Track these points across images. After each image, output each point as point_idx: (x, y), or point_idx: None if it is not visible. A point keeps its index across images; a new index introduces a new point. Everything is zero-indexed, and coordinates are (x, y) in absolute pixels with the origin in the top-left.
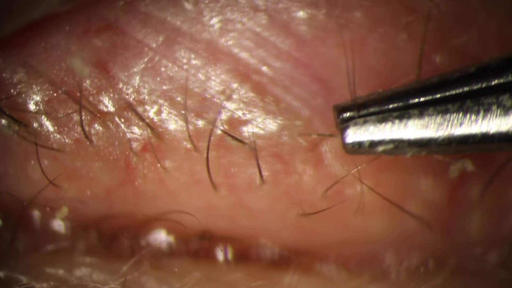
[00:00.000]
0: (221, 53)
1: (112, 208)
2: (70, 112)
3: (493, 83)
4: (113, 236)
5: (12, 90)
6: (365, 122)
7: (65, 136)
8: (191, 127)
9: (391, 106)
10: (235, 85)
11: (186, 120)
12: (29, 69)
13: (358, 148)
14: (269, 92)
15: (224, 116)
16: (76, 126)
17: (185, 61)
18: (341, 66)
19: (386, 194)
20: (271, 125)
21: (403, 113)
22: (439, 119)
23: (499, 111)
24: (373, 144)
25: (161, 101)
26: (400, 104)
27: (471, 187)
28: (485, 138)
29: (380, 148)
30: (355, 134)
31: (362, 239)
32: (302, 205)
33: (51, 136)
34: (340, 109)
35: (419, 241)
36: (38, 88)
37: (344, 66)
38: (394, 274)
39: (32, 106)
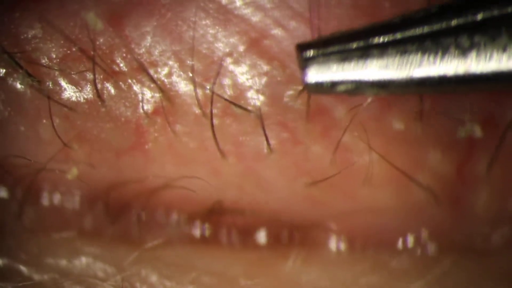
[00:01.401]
0: (231, 14)
1: (121, 173)
2: (83, 70)
3: (452, 24)
4: (120, 211)
5: (27, 45)
6: (326, 61)
7: (77, 95)
8: (200, 92)
9: (353, 45)
10: (242, 48)
11: (194, 84)
12: (45, 24)
13: (319, 86)
14: (276, 57)
15: (230, 81)
16: (88, 85)
17: (195, 19)
18: None
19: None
20: (277, 92)
21: (364, 53)
22: (398, 59)
23: (457, 52)
24: (334, 83)
25: (171, 63)
26: (362, 43)
27: (480, 161)
28: (443, 80)
29: (341, 88)
30: (317, 73)
31: (369, 211)
32: (310, 174)
33: (64, 94)
34: (303, 47)
35: (426, 216)
36: (53, 44)
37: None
38: (398, 255)
39: (46, 62)
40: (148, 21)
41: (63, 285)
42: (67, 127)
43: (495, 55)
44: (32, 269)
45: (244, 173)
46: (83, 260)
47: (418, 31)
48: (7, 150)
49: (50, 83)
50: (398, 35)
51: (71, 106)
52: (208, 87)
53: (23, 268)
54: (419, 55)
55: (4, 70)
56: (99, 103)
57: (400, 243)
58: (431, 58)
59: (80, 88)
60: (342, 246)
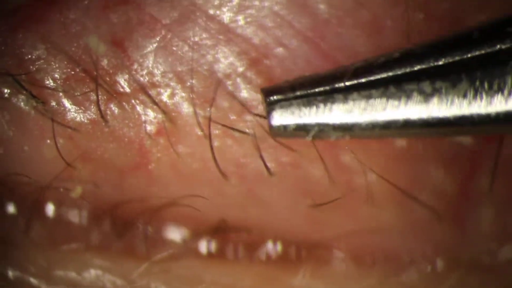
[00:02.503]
0: (233, 34)
1: (125, 193)
2: (87, 91)
3: (415, 68)
4: (126, 226)
5: (31, 66)
6: (290, 105)
7: (81, 115)
8: (201, 113)
9: (317, 90)
10: (242, 69)
11: (193, 106)
12: (48, 46)
13: (283, 130)
14: (276, 78)
15: (229, 103)
16: (92, 105)
17: (196, 39)
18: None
19: (395, 184)
20: None
21: (328, 97)
22: (363, 104)
23: (420, 97)
24: (298, 127)
25: (173, 84)
26: (326, 88)
27: (482, 178)
28: (406, 124)
29: (305, 131)
30: (281, 117)
31: (372, 230)
32: (312, 196)
33: (67, 114)
34: (267, 92)
35: (430, 234)
36: (57, 65)
37: (362, 49)
38: (405, 271)
39: (50, 83)
40: (149, 42)
41: None
42: (71, 147)
43: (456, 101)
44: (42, 281)
45: (246, 194)
46: (92, 272)
47: (382, 76)
48: (10, 168)
49: (54, 103)
50: (362, 80)
51: (74, 127)
52: (207, 109)
53: (33, 281)
54: (383, 99)
55: (8, 91)
56: (103, 123)
57: (405, 260)
58: (395, 103)
59: (83, 109)
60: (348, 263)
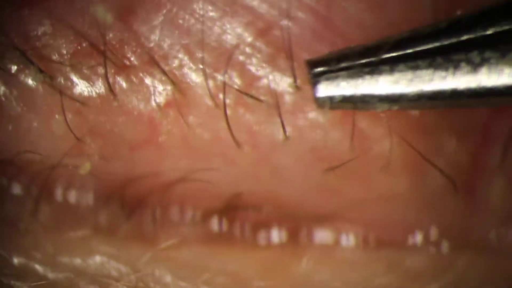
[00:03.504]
0: (239, 5)
1: (135, 167)
2: (94, 64)
3: (463, 38)
4: (134, 206)
5: (37, 42)
6: (336, 77)
7: (89, 90)
8: (211, 83)
9: (363, 61)
10: (250, 39)
11: (205, 76)
12: (55, 21)
13: (328, 102)
14: (284, 47)
15: (241, 72)
16: (100, 79)
17: (202, 13)
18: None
19: (410, 152)
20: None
21: (374, 69)
22: (409, 75)
23: (468, 68)
24: (344, 99)
25: (181, 56)
26: (372, 59)
27: (495, 151)
28: (454, 95)
29: (351, 103)
30: (326, 89)
31: (386, 200)
32: (327, 161)
33: (76, 89)
34: (312, 64)
35: (442, 206)
36: (63, 40)
37: (368, 22)
38: (412, 255)
39: (57, 58)
40: (156, 14)
41: (78, 284)
42: (80, 122)
43: (505, 70)
44: (48, 268)
45: (259, 162)
46: (98, 259)
47: (428, 46)
48: (20, 146)
49: (62, 78)
50: (409, 51)
51: (83, 101)
52: (219, 78)
53: (38, 267)
54: (430, 70)
55: (16, 67)
56: (111, 97)
57: (414, 239)
58: (443, 74)
59: (91, 83)
60: (356, 243)
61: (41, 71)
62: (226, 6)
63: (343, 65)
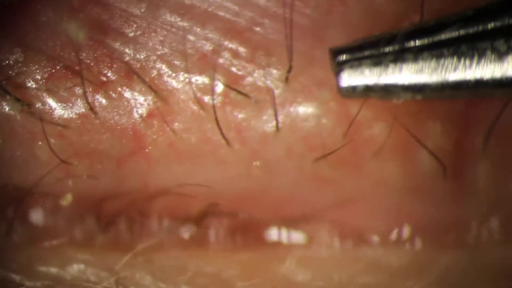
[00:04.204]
0: (206, 14)
1: (124, 181)
2: (71, 86)
3: (489, 27)
4: (111, 219)
5: (10, 71)
6: (360, 65)
7: (69, 112)
8: (193, 87)
9: (386, 49)
10: (225, 43)
11: (190, 79)
12: (25, 48)
13: (352, 91)
14: (260, 46)
15: (224, 73)
16: (79, 100)
17: (170, 25)
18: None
19: (398, 139)
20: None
21: (398, 57)
22: (433, 63)
23: (493, 56)
24: (367, 87)
25: (158, 65)
26: (396, 47)
27: (478, 136)
28: (478, 84)
29: (374, 92)
30: (350, 77)
31: (377, 187)
32: (317, 151)
33: (55, 113)
34: (336, 52)
35: (429, 191)
36: (36, 66)
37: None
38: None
39: (32, 85)
40: (128, 29)
41: None
42: (64, 145)
43: None
44: (24, 277)
45: (250, 158)
46: (75, 267)
47: (453, 34)
48: (5, 178)
49: (40, 104)
50: (433, 39)
51: (64, 124)
52: (201, 81)
53: (15, 277)
54: (455, 59)
55: None
56: (92, 115)
57: (398, 234)
58: (467, 62)
59: (70, 104)
60: (337, 243)
61: (18, 100)
62: (195, 16)
63: (366, 53)
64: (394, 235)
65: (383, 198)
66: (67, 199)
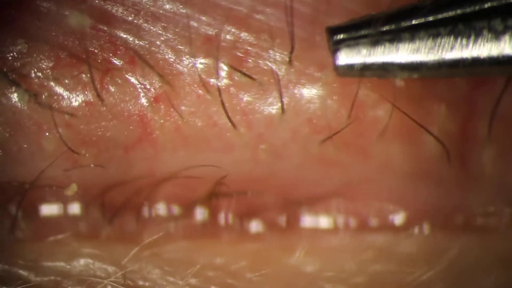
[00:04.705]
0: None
1: (131, 168)
2: (76, 74)
3: (485, 6)
4: (117, 211)
5: (15, 63)
6: (356, 45)
7: (76, 100)
8: (198, 71)
9: (383, 28)
10: (228, 27)
11: (194, 61)
12: (28, 39)
13: (349, 70)
14: (262, 29)
15: (226, 56)
16: (85, 88)
17: (172, 13)
18: None
19: (403, 122)
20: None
21: (394, 36)
22: (430, 42)
23: (490, 35)
24: (364, 66)
25: (163, 51)
26: (392, 27)
27: (483, 120)
28: (475, 63)
29: (371, 71)
30: (347, 56)
31: (383, 171)
32: (322, 132)
33: (62, 102)
34: (333, 31)
35: (435, 175)
36: (41, 56)
37: None
38: (404, 239)
39: (38, 75)
40: (130, 16)
41: (63, 285)
42: (71, 135)
43: None
44: (31, 273)
45: (256, 140)
46: (82, 261)
47: (450, 14)
48: (12, 171)
49: (47, 94)
50: (430, 18)
51: (72, 112)
52: (206, 63)
53: (22, 273)
54: (451, 38)
55: None
56: (99, 103)
57: (406, 224)
58: (464, 42)
59: (77, 93)
60: (348, 229)
61: (25, 91)
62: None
63: (363, 32)
64: (401, 220)
65: (389, 182)
66: (72, 189)
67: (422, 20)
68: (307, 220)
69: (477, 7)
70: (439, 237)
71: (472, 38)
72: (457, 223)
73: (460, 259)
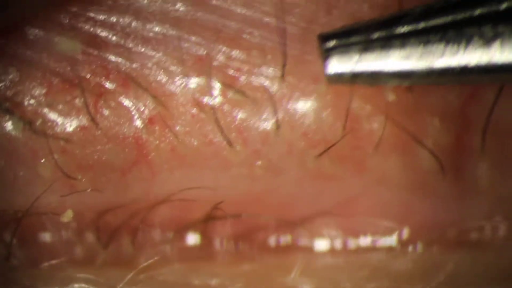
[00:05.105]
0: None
1: (127, 191)
2: (69, 99)
3: (476, 13)
4: (112, 235)
5: (8, 91)
6: (347, 52)
7: (70, 125)
8: (191, 90)
9: (374, 36)
10: (219, 46)
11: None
12: (20, 67)
13: (340, 77)
14: (253, 46)
15: (218, 75)
16: (79, 113)
17: (162, 35)
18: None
19: (398, 135)
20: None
21: (385, 43)
22: (420, 49)
23: (481, 42)
24: (355, 74)
25: (155, 73)
26: (383, 34)
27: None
28: (466, 70)
29: (362, 78)
30: (338, 63)
31: (379, 184)
32: (320, 145)
33: (57, 128)
34: (324, 38)
35: (431, 189)
36: (33, 83)
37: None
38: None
39: (32, 102)
40: (122, 40)
41: None
42: (67, 160)
43: None
44: None
45: (252, 157)
46: (76, 286)
47: (440, 21)
48: (7, 199)
49: (41, 121)
50: (421, 25)
51: (67, 138)
52: (200, 83)
53: None
54: (442, 45)
55: None
56: (94, 126)
57: (400, 238)
58: (454, 48)
59: (71, 118)
60: (343, 245)
61: (19, 119)
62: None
63: (354, 39)
64: (397, 237)
65: (385, 197)
66: (67, 215)
67: (412, 27)
68: (303, 240)
69: (467, 14)
70: (435, 252)
71: (463, 45)
72: (452, 238)
73: (455, 274)
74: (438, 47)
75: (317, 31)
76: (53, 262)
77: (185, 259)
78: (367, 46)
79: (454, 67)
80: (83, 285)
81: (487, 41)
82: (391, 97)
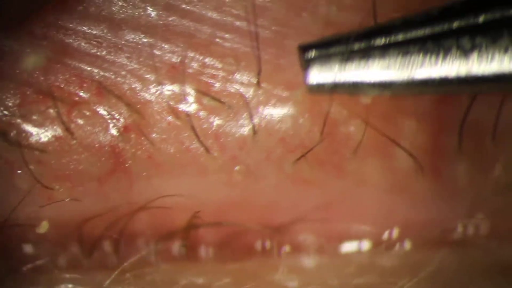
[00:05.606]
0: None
1: (106, 200)
2: (43, 109)
3: (454, 26)
4: (94, 244)
5: None
6: (328, 62)
7: (45, 135)
8: (166, 98)
9: (354, 46)
10: (192, 54)
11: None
12: None
13: (320, 87)
14: (227, 53)
15: (193, 82)
16: (53, 123)
17: (134, 43)
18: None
19: (376, 137)
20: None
21: (365, 54)
22: (400, 60)
23: (458, 53)
24: (335, 84)
25: (129, 81)
26: (363, 45)
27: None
28: (444, 80)
29: (342, 88)
30: (319, 74)
31: (358, 187)
32: (297, 150)
33: (31, 138)
34: (304, 48)
35: (411, 190)
36: (6, 94)
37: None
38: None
39: (5, 113)
40: (93, 49)
41: None
42: (43, 171)
43: (496, 56)
44: None
45: (231, 163)
46: (62, 286)
47: (419, 32)
48: None
49: (15, 132)
50: (400, 37)
51: (42, 148)
52: (174, 91)
53: None
54: (420, 56)
55: None
56: (69, 136)
57: (385, 237)
58: (433, 59)
59: (46, 128)
60: (327, 247)
61: None
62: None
63: (335, 50)
64: (381, 236)
65: (365, 199)
66: (43, 227)
67: (392, 39)
68: (286, 245)
69: (446, 26)
70: (418, 252)
71: (441, 56)
72: (435, 237)
73: (439, 272)
74: (417, 58)
75: (289, 34)
76: (37, 267)
77: (170, 261)
78: (347, 57)
79: (433, 78)
80: (69, 285)
81: (465, 53)
82: (367, 100)
